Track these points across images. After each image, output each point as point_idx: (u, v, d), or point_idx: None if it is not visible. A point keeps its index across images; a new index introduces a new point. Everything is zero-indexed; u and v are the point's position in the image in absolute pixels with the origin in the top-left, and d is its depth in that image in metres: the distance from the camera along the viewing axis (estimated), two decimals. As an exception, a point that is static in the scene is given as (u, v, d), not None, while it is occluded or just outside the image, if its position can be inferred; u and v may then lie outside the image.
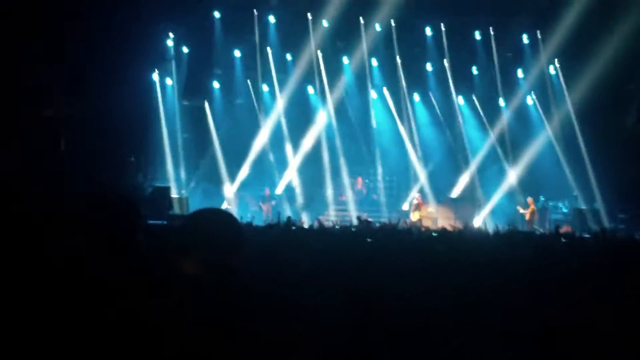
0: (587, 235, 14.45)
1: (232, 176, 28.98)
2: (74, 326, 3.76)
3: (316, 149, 29.91)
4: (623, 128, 27.51)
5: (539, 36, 30.01)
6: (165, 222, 17.70)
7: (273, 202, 28.15)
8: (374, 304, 6.52)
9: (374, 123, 30.66)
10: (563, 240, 11.29)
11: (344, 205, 29.54)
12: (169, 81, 28.91)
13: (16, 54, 21.62)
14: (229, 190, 28.73)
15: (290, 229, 10.99)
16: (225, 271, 4.17)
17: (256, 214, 25.55)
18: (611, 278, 7.92)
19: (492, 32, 30.19)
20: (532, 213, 26.71)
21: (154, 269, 4.32)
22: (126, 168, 25.10)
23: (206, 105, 29.36)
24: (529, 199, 27.22)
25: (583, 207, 28.12)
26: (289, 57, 30.01)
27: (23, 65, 22.05)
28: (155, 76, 28.45)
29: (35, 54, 22.13)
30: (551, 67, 30.51)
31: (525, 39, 30.54)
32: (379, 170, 30.39)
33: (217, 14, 28.61)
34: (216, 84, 29.58)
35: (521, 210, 26.92)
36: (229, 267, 4.20)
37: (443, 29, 30.12)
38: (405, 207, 29.13)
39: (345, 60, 30.32)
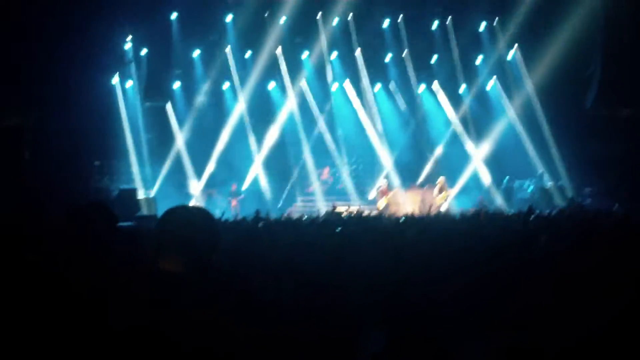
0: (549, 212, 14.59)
1: (199, 174, 29.00)
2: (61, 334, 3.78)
3: (280, 142, 30.06)
4: (582, 108, 27.80)
5: (497, 23, 30.33)
6: (132, 224, 17.61)
7: (241, 197, 28.23)
8: (347, 293, 6.59)
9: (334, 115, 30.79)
10: (531, 219, 11.40)
11: (311, 196, 29.68)
12: (129, 83, 28.79)
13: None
14: (196, 188, 28.74)
15: (258, 224, 11.03)
16: (205, 269, 4.20)
17: (225, 210, 25.54)
18: (579, 252, 8.05)
19: (450, 21, 30.42)
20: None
21: (130, 270, 4.35)
22: (92, 172, 25.03)
23: (168, 105, 29.27)
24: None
25: (549, 184, 28.44)
26: (248, 54, 30.02)
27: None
28: (116, 79, 28.33)
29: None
30: (510, 53, 30.83)
31: (482, 26, 30.77)
32: (344, 160, 30.48)
33: (174, 15, 28.51)
34: (177, 84, 29.51)
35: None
36: (208, 264, 4.23)
37: (401, 19, 30.28)
38: (371, 195, 29.34)
39: (305, 54, 30.40)
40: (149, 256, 4.25)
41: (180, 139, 29.07)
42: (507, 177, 29.20)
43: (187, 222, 4.29)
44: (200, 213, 4.42)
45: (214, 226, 4.39)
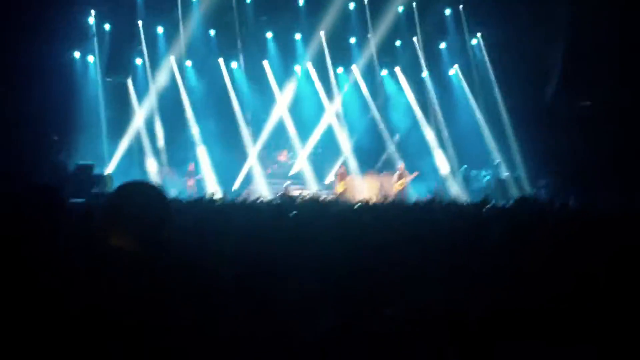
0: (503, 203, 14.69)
1: (157, 152, 28.82)
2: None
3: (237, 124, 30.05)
4: (542, 99, 28.00)
5: (461, 9, 30.42)
6: (85, 200, 17.51)
7: (198, 177, 28.17)
8: (298, 277, 6.62)
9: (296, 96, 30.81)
10: (485, 209, 11.47)
11: (270, 178, 29.67)
12: (90, 59, 28.53)
13: None
14: (153, 166, 28.57)
15: (213, 204, 11.02)
16: (156, 245, 4.19)
17: (181, 190, 25.49)
18: (531, 244, 8.13)
19: (414, 6, 30.46)
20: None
21: (82, 247, 4.32)
22: (50, 147, 24.82)
23: (129, 82, 29.05)
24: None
25: (505, 175, 28.65)
26: (212, 32, 29.87)
27: None
28: (77, 54, 28.08)
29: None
30: (474, 40, 30.97)
31: (447, 12, 30.85)
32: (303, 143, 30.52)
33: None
34: (139, 61, 29.31)
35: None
36: (159, 241, 4.22)
37: (366, 2, 30.27)
38: (329, 179, 29.42)
39: (269, 35, 30.33)
40: (100, 233, 4.23)
41: (140, 116, 28.87)
42: (464, 166, 29.41)
43: (138, 197, 4.27)
44: (151, 189, 4.40)
45: (166, 203, 4.38)
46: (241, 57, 30.11)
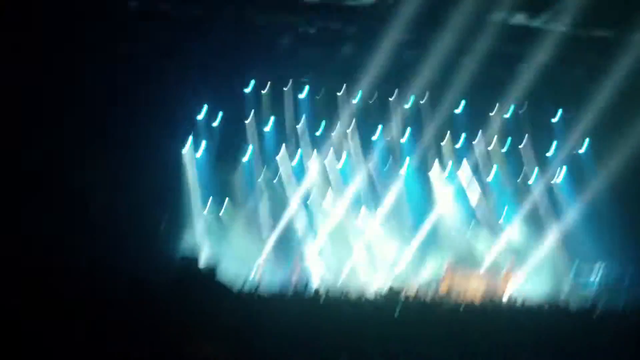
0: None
1: (261, 245, 29.04)
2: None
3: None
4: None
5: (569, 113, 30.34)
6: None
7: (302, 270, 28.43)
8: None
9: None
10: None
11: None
12: (199, 154, 29.10)
13: None
14: (259, 260, 28.75)
15: (319, 298, 10.92)
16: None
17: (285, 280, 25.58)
18: None
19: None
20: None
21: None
22: (156, 237, 25.23)
23: (236, 177, 29.49)
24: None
25: (615, 279, 28.03)
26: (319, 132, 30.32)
27: None
28: (186, 149, 28.65)
29: None
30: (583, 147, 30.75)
31: (557, 116, 30.90)
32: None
33: (249, 88, 28.97)
34: (246, 157, 29.77)
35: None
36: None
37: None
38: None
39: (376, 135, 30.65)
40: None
41: (244, 210, 29.16)
42: (575, 268, 28.81)
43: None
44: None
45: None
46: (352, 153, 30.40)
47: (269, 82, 29.03)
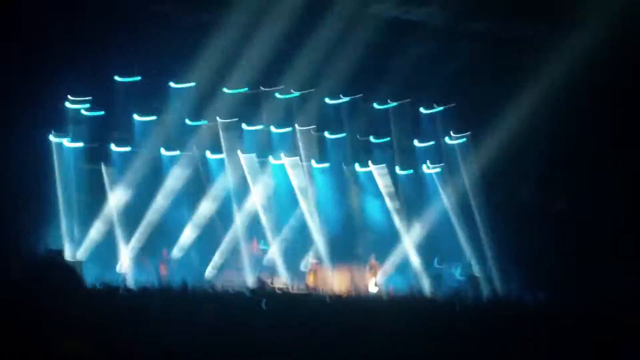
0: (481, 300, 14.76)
1: (128, 238, 28.61)
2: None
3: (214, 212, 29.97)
4: (517, 199, 28.25)
5: (440, 108, 30.89)
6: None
7: (170, 264, 28.00)
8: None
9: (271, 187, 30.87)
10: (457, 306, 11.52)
11: (241, 268, 29.50)
12: (67, 143, 28.43)
13: None
14: (126, 252, 28.35)
15: (186, 293, 10.96)
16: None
17: (153, 276, 25.33)
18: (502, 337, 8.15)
19: (391, 104, 30.87)
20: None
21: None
22: (20, 229, 24.62)
23: (104, 168, 29.00)
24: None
25: (476, 272, 28.69)
26: (188, 121, 30.07)
27: None
28: (53, 139, 27.98)
29: None
30: (448, 138, 31.34)
31: (423, 110, 31.28)
32: (275, 233, 30.44)
33: (120, 78, 28.57)
34: (116, 148, 29.29)
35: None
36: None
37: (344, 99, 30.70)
38: (301, 270, 29.28)
39: (244, 126, 30.53)
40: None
41: (113, 202, 28.69)
42: (437, 258, 29.47)
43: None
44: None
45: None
46: (223, 147, 30.23)
47: (138, 70, 28.60)
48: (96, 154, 28.63)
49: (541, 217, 27.35)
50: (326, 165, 31.47)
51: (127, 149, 29.06)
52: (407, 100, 30.86)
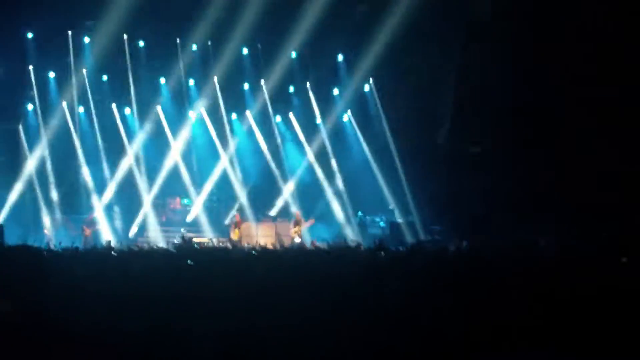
0: (401, 248, 14.91)
1: (47, 200, 28.26)
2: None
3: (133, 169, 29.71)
4: (435, 145, 28.51)
5: (354, 56, 30.77)
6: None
7: (97, 227, 27.73)
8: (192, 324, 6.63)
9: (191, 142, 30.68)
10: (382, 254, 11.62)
11: (165, 226, 29.40)
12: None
13: None
14: (46, 214, 28.02)
15: (110, 254, 10.90)
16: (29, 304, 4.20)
17: (77, 239, 25.09)
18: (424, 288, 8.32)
19: (307, 52, 30.72)
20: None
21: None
22: None
23: (20, 127, 28.51)
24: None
25: (399, 220, 28.99)
26: (105, 78, 29.60)
27: None
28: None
29: None
30: (366, 86, 31.36)
31: (340, 58, 31.20)
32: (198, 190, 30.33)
33: (30, 35, 27.92)
34: (30, 106, 28.80)
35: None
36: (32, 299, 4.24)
37: (260, 48, 30.46)
38: (225, 226, 29.26)
39: (162, 80, 30.18)
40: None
41: (32, 163, 28.28)
42: (360, 212, 29.71)
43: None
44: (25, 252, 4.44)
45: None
46: (134, 103, 29.84)
47: (49, 29, 28.03)
48: (11, 113, 28.15)
49: (458, 161, 27.60)
50: (246, 116, 31.31)
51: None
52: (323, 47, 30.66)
